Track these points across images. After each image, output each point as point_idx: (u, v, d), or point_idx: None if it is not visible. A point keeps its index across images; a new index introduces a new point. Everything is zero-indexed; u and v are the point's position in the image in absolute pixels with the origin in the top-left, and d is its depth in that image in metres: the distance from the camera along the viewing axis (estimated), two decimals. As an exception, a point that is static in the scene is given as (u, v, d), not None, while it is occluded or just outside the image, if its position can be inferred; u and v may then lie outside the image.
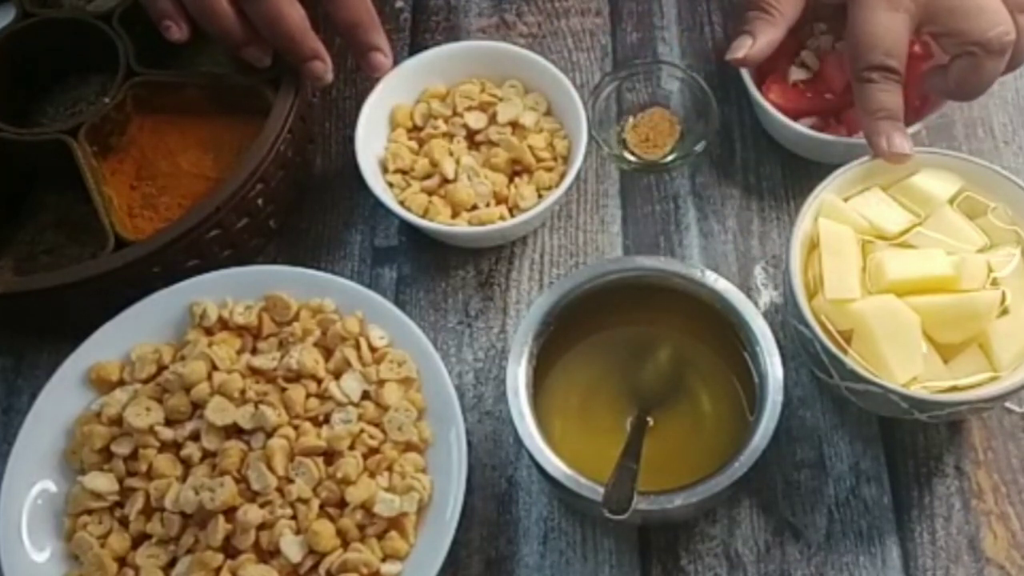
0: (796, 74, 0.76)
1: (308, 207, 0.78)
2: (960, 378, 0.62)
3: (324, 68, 0.73)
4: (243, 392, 0.65)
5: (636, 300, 0.66)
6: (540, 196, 0.73)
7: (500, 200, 0.74)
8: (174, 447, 0.65)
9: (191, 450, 0.64)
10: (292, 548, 0.61)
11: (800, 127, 0.74)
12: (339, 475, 0.63)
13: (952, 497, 0.67)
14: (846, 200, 0.67)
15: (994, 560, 0.65)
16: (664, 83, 0.80)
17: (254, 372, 0.67)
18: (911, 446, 0.68)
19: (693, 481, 0.59)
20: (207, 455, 0.64)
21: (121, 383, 0.67)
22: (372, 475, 0.64)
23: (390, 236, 0.77)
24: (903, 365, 0.61)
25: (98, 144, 0.73)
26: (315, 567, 0.62)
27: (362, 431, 0.65)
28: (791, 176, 0.78)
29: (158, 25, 0.72)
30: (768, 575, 0.65)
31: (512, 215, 0.73)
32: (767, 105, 0.74)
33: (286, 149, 0.73)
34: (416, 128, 0.77)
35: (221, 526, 0.61)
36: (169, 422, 0.65)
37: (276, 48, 0.73)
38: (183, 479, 0.64)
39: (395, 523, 0.63)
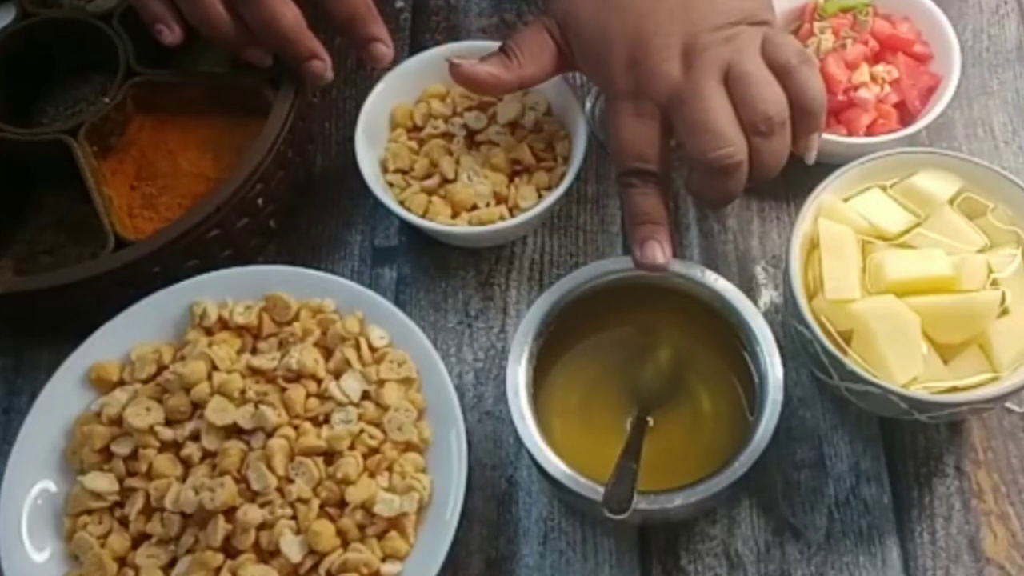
0: None
1: (308, 207, 0.78)
2: (960, 378, 0.62)
3: (324, 67, 0.73)
4: (243, 392, 0.65)
5: (636, 300, 0.66)
6: (540, 196, 0.73)
7: (500, 200, 0.73)
8: (174, 447, 0.65)
9: (191, 450, 0.64)
10: (292, 548, 0.61)
11: None
12: (339, 475, 0.63)
13: (952, 497, 0.67)
14: (846, 200, 0.67)
15: (994, 560, 0.65)
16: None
17: (254, 372, 0.66)
18: (911, 446, 0.68)
19: (693, 481, 0.59)
20: (207, 455, 0.64)
21: (121, 383, 0.67)
22: (372, 475, 0.64)
23: (390, 236, 0.77)
24: (903, 366, 0.61)
25: (98, 144, 0.73)
26: (315, 567, 0.62)
27: (362, 431, 0.65)
28: (791, 176, 0.77)
29: (151, 29, 0.72)
30: (768, 575, 0.65)
31: (512, 215, 0.73)
32: None
33: (286, 149, 0.73)
34: (416, 128, 0.77)
35: (221, 526, 0.61)
36: (169, 422, 0.65)
37: (273, 49, 0.72)
38: (183, 479, 0.64)
39: (395, 523, 0.63)
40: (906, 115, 0.76)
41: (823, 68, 0.75)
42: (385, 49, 0.74)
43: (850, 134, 0.74)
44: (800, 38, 0.77)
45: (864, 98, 0.74)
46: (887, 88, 0.76)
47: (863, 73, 0.75)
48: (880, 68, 0.76)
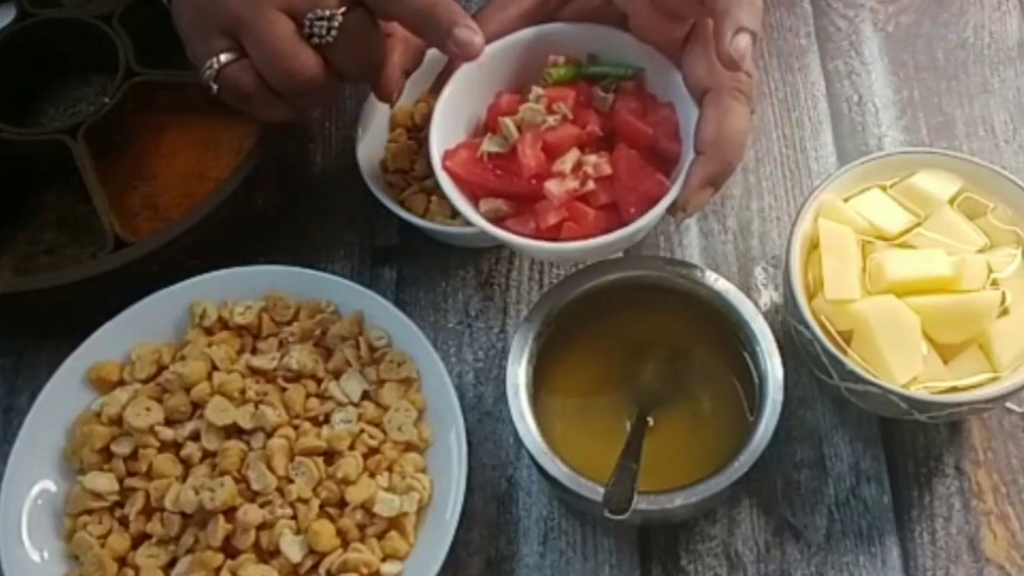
0: (489, 144, 0.63)
1: (308, 207, 0.78)
2: (960, 378, 0.62)
3: (471, 33, 0.61)
4: (243, 392, 0.65)
5: (636, 300, 0.66)
6: (540, 196, 0.73)
7: (500, 200, 0.73)
8: (174, 447, 0.65)
9: (191, 450, 0.64)
10: (292, 548, 0.61)
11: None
12: (339, 475, 0.63)
13: (952, 497, 0.67)
14: (846, 200, 0.67)
15: (994, 560, 0.65)
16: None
17: (254, 372, 0.67)
18: (911, 446, 0.68)
19: (693, 481, 0.59)
20: (207, 455, 0.64)
21: (121, 383, 0.67)
22: (372, 475, 0.64)
23: (390, 236, 0.77)
24: (903, 365, 0.61)
25: (98, 144, 0.73)
26: (315, 567, 0.62)
27: (362, 431, 0.65)
28: (791, 176, 0.78)
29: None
30: (768, 575, 0.65)
31: (512, 215, 0.73)
32: (442, 175, 0.63)
33: (286, 149, 0.73)
34: (416, 128, 0.77)
35: (221, 526, 0.61)
36: (169, 422, 0.65)
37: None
38: (183, 479, 0.64)
39: (395, 523, 0.63)
40: (616, 222, 0.61)
41: (520, 145, 0.62)
42: (473, 34, 0.60)
43: (537, 230, 0.61)
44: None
45: (549, 191, 0.61)
46: (589, 184, 0.61)
47: (566, 160, 0.61)
48: (591, 159, 0.61)
